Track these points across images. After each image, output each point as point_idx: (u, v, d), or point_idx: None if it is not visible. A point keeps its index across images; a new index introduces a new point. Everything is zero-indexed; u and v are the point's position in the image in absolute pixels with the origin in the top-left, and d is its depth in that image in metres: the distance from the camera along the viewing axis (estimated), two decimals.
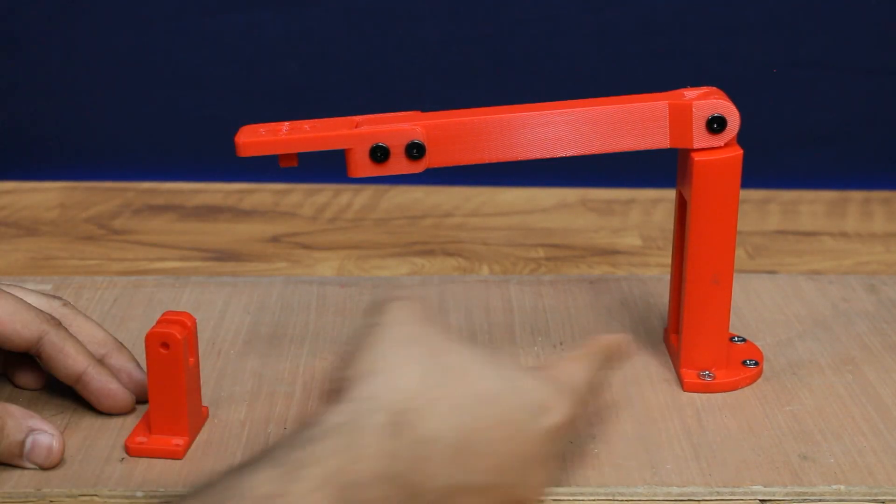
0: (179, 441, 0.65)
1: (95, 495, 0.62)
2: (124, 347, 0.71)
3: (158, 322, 0.65)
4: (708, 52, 1.05)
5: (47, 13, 1.05)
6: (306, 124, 0.69)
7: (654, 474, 0.64)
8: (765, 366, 0.75)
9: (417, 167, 0.68)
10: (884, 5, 1.04)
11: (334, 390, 0.57)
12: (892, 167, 1.09)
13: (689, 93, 0.70)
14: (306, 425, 0.54)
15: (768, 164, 1.07)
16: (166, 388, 0.65)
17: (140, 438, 0.65)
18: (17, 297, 0.68)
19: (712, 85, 0.71)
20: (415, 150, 0.68)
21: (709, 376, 0.72)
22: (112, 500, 0.62)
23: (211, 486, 0.51)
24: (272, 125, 0.69)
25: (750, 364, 0.74)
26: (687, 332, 0.72)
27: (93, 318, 0.72)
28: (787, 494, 0.63)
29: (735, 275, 0.72)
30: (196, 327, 0.66)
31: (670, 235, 0.84)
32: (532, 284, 0.86)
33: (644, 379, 0.73)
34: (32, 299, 0.70)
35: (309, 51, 1.06)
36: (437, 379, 0.56)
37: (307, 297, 0.84)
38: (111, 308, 0.82)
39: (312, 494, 0.50)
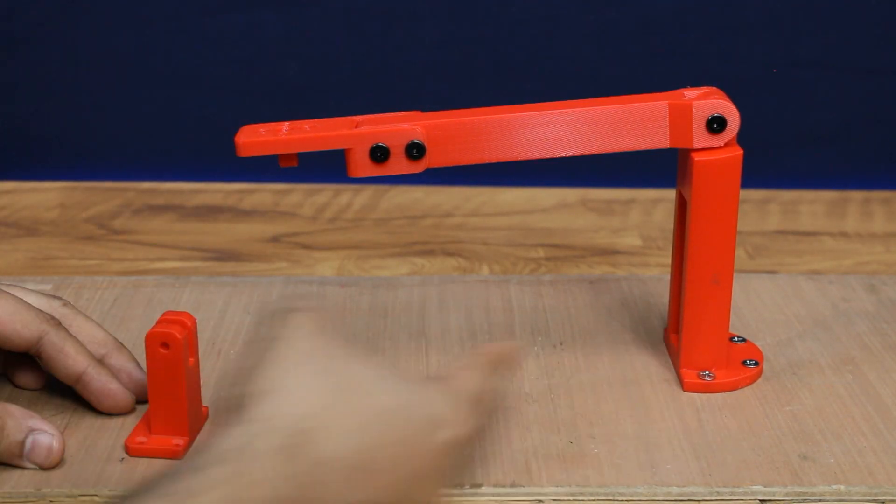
0: (179, 441, 0.65)
1: (95, 495, 0.62)
2: (124, 347, 0.71)
3: (158, 322, 0.65)
4: (708, 52, 1.05)
5: (47, 13, 1.05)
6: (306, 124, 0.69)
7: (654, 474, 0.64)
8: (765, 366, 0.75)
9: (417, 167, 0.68)
10: (884, 5, 1.04)
11: (229, 408, 0.55)
12: (892, 167, 1.09)
13: (689, 93, 0.70)
14: (198, 451, 0.52)
15: (768, 164, 1.07)
16: (166, 388, 0.65)
17: (140, 438, 0.65)
18: (17, 297, 0.68)
19: (712, 85, 0.71)
20: (415, 150, 0.68)
21: (709, 376, 0.72)
22: (112, 501, 0.62)
23: None
24: (272, 125, 0.69)
25: (750, 364, 0.74)
26: (687, 332, 0.72)
27: (93, 318, 0.72)
28: (787, 494, 0.63)
29: (735, 275, 0.72)
30: (196, 327, 0.66)
31: (670, 235, 0.84)
32: (532, 284, 0.86)
33: (644, 379, 0.73)
34: (32, 299, 0.70)
35: (309, 51, 1.06)
36: (334, 397, 0.54)
37: (307, 298, 0.84)
38: (111, 308, 0.82)
39: None
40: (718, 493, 0.63)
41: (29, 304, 0.68)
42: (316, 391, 0.54)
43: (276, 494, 0.50)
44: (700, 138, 0.68)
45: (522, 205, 1.05)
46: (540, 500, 0.62)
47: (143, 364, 0.66)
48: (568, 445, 0.67)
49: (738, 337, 0.77)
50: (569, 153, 0.69)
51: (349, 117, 0.70)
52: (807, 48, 1.05)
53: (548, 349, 0.77)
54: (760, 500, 0.63)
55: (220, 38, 1.06)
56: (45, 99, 1.08)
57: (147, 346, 0.64)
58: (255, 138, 0.68)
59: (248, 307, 0.82)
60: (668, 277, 0.79)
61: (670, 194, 0.97)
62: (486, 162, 0.69)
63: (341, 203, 1.04)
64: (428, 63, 1.06)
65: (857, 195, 1.06)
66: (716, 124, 0.68)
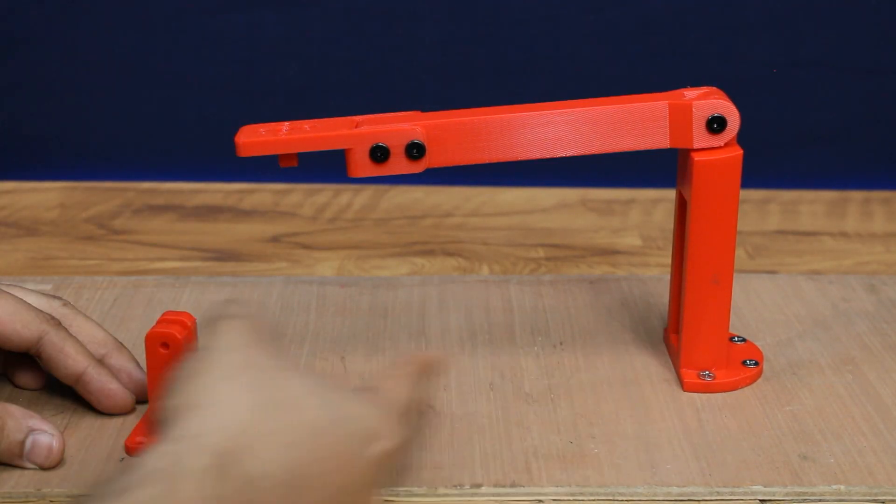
0: None
1: None
2: (124, 347, 0.71)
3: (158, 322, 0.65)
4: (708, 52, 1.05)
5: (47, 13, 1.05)
6: (306, 124, 0.69)
7: (654, 474, 0.64)
8: (765, 366, 0.75)
9: (417, 167, 0.68)
10: (884, 5, 1.04)
11: (159, 420, 0.54)
12: (892, 167, 1.09)
13: (689, 93, 0.70)
14: (123, 470, 0.50)
15: (768, 164, 1.07)
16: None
17: (140, 438, 0.65)
18: (17, 297, 0.68)
19: (712, 85, 0.71)
20: (415, 150, 0.68)
21: (709, 376, 0.72)
22: None
23: None
24: (272, 125, 0.69)
25: (750, 364, 0.74)
26: (687, 332, 0.72)
27: (93, 318, 0.72)
28: (787, 494, 0.63)
29: (735, 275, 0.72)
30: (196, 327, 0.66)
31: (670, 235, 0.84)
32: (532, 284, 0.86)
33: (644, 379, 0.73)
34: (32, 299, 0.70)
35: (309, 51, 1.06)
36: (265, 413, 0.53)
37: (307, 297, 0.84)
38: (111, 308, 0.82)
39: None
40: (718, 493, 0.63)
41: (29, 304, 0.68)
42: (245, 406, 0.53)
43: None
44: (700, 138, 0.68)
45: (522, 205, 1.05)
46: (540, 500, 0.62)
47: (143, 364, 0.66)
48: (568, 445, 0.67)
49: (738, 337, 0.77)
50: (569, 153, 0.69)
51: (349, 117, 0.70)
52: (807, 48, 1.05)
53: (548, 349, 0.77)
54: (760, 500, 0.63)
55: (220, 38, 1.06)
56: (45, 99, 1.08)
57: (147, 346, 0.64)
58: (255, 138, 0.68)
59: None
60: (668, 277, 0.79)
61: (670, 194, 0.97)
62: (486, 162, 0.69)
63: (341, 203, 1.04)
64: (428, 63, 1.06)
65: (857, 195, 1.06)
66: (716, 124, 0.68)
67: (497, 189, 1.07)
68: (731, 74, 1.05)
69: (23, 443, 0.63)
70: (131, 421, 0.68)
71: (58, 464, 0.64)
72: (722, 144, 0.68)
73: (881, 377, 0.74)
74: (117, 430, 0.67)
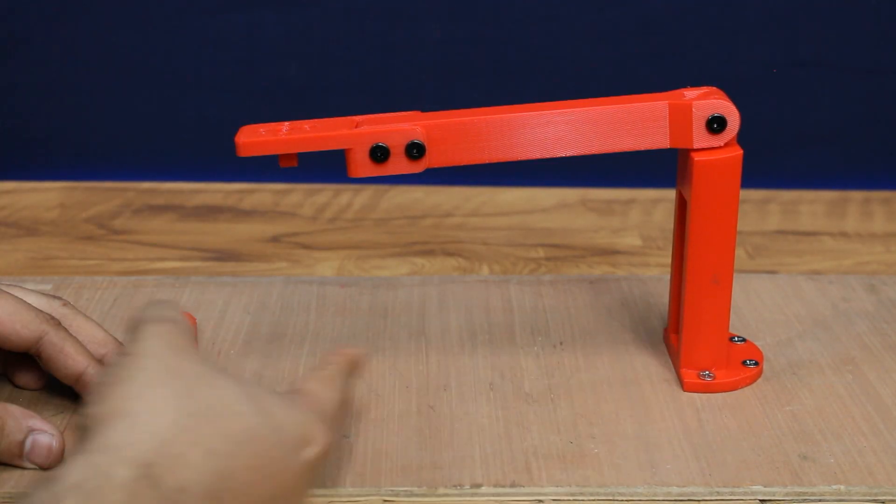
0: None
1: None
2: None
3: None
4: (708, 52, 1.05)
5: (47, 13, 1.05)
6: (306, 124, 0.69)
7: (654, 474, 0.64)
8: (765, 366, 0.75)
9: (417, 167, 0.68)
10: (884, 5, 1.04)
11: (82, 428, 0.52)
12: (892, 167, 1.09)
13: (689, 93, 0.70)
14: (43, 484, 0.48)
15: (768, 164, 1.07)
16: None
17: None
18: (17, 297, 0.68)
19: (712, 85, 0.71)
20: (415, 150, 0.68)
21: (709, 376, 0.72)
22: None
23: None
24: (272, 125, 0.69)
25: (750, 364, 0.74)
26: (687, 332, 0.72)
27: (93, 318, 0.72)
28: (787, 494, 0.63)
29: (735, 275, 0.72)
30: (196, 327, 0.66)
31: (670, 235, 0.84)
32: (532, 284, 0.86)
33: (644, 379, 0.73)
34: (32, 299, 0.70)
35: (309, 51, 1.06)
36: (192, 421, 0.51)
37: (307, 297, 0.84)
38: (111, 308, 0.82)
39: None
40: (718, 493, 0.63)
41: (29, 304, 0.68)
42: (170, 415, 0.51)
43: None
44: (700, 138, 0.68)
45: (522, 205, 1.05)
46: (540, 500, 0.62)
47: None
48: (568, 445, 0.67)
49: (738, 337, 0.77)
50: (569, 153, 0.69)
51: (349, 117, 0.70)
52: (807, 48, 1.05)
53: (548, 349, 0.77)
54: (760, 500, 0.63)
55: (220, 38, 1.06)
56: (45, 99, 1.08)
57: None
58: (255, 138, 0.68)
59: (248, 307, 0.82)
60: (668, 277, 0.79)
61: (670, 194, 0.97)
62: (486, 162, 0.69)
63: (341, 203, 1.04)
64: (428, 63, 1.06)
65: (857, 195, 1.06)
66: (716, 124, 0.68)
67: (497, 189, 1.07)
68: (731, 74, 1.05)
69: (23, 443, 0.63)
70: None
71: (58, 464, 0.64)
72: (722, 144, 0.68)
73: (881, 377, 0.74)
74: None
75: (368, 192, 1.06)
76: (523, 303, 0.83)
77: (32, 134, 1.09)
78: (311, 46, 1.06)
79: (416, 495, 0.63)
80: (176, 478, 0.49)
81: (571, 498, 0.63)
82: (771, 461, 0.65)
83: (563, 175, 1.06)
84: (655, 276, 0.88)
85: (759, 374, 0.74)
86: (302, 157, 0.69)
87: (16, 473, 0.63)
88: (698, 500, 0.63)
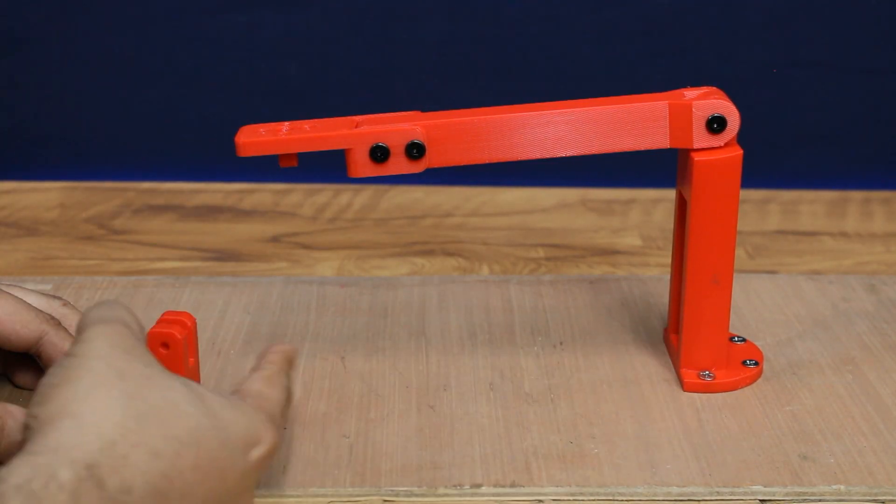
0: None
1: None
2: None
3: (158, 322, 0.65)
4: (708, 52, 1.05)
5: (47, 13, 1.05)
6: (306, 124, 0.69)
7: (654, 474, 0.64)
8: (765, 366, 0.75)
9: (417, 167, 0.68)
10: (884, 5, 1.04)
11: (25, 431, 0.52)
12: (892, 167, 1.09)
13: (689, 93, 0.70)
14: None
15: (768, 164, 1.07)
16: None
17: None
18: (17, 297, 0.68)
19: (712, 85, 0.71)
20: (415, 150, 0.68)
21: (709, 376, 0.72)
22: None
23: None
24: (272, 125, 0.69)
25: (750, 364, 0.74)
26: (687, 332, 0.72)
27: None
28: (787, 494, 0.63)
29: (735, 275, 0.72)
30: (196, 327, 0.66)
31: (670, 235, 0.84)
32: (532, 284, 0.86)
33: (644, 379, 0.73)
34: (32, 299, 0.70)
35: (309, 51, 1.06)
36: (137, 423, 0.51)
37: (307, 297, 0.84)
38: None
39: None
40: (718, 493, 0.63)
41: (29, 304, 0.68)
42: (116, 416, 0.51)
43: None
44: (700, 138, 0.68)
45: (522, 205, 1.05)
46: (540, 500, 0.62)
47: None
48: (568, 445, 0.67)
49: (738, 337, 0.77)
50: (569, 153, 0.69)
51: (349, 117, 0.70)
52: (807, 48, 1.06)
53: (548, 349, 0.77)
54: (760, 500, 0.63)
55: (220, 38, 1.06)
56: (45, 99, 1.08)
57: (147, 346, 0.64)
58: (255, 138, 0.68)
59: (248, 307, 0.82)
60: (668, 277, 0.79)
61: (670, 194, 0.97)
62: (486, 162, 0.69)
63: (341, 203, 1.04)
64: (428, 63, 1.06)
65: (857, 195, 1.06)
66: (716, 124, 0.68)
67: (497, 189, 1.07)
68: (731, 74, 1.05)
69: (23, 443, 0.63)
70: None
71: None
72: (722, 144, 0.68)
73: (881, 377, 0.74)
74: None
75: (368, 192, 1.06)
76: (523, 303, 0.83)
77: (32, 134, 1.09)
78: (311, 46, 1.06)
79: (416, 495, 0.63)
80: (121, 478, 0.49)
81: (571, 498, 0.63)
82: (771, 461, 0.65)
83: (563, 175, 1.06)
84: (655, 276, 0.88)
85: (759, 374, 0.74)
86: (302, 157, 0.69)
87: None
88: (698, 500, 0.63)
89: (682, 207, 0.72)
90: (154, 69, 1.07)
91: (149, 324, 0.68)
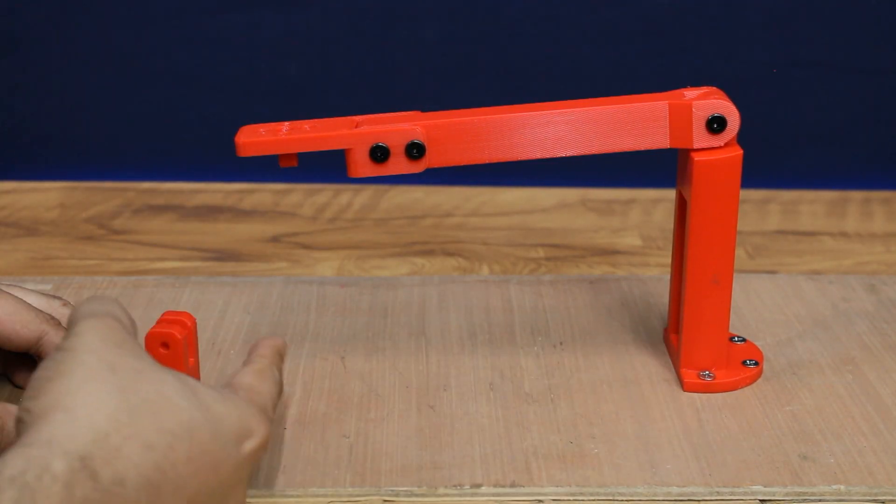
0: None
1: None
2: None
3: (158, 322, 0.65)
4: (708, 52, 1.05)
5: (47, 13, 1.05)
6: (306, 124, 0.69)
7: (654, 474, 0.64)
8: (765, 366, 0.75)
9: (417, 167, 0.68)
10: (884, 5, 1.04)
11: (19, 422, 0.52)
12: (892, 167, 1.09)
13: (689, 93, 0.70)
14: None
15: (768, 164, 1.07)
16: None
17: None
18: (16, 297, 0.68)
19: (712, 85, 0.71)
20: (415, 150, 0.68)
21: (709, 376, 0.72)
22: None
23: None
24: (272, 125, 0.69)
25: (750, 364, 0.74)
26: (687, 332, 0.72)
27: None
28: (787, 494, 0.63)
29: (735, 275, 0.72)
30: (196, 327, 0.66)
31: (670, 235, 0.84)
32: (532, 284, 0.86)
33: (644, 379, 0.73)
34: (32, 299, 0.70)
35: (309, 51, 1.06)
36: (130, 416, 0.51)
37: (307, 297, 0.84)
38: None
39: None
40: (718, 493, 0.63)
41: (29, 304, 0.68)
42: (109, 409, 0.51)
43: None
44: (700, 138, 0.68)
45: (522, 205, 1.05)
46: (540, 500, 0.62)
47: None
48: (568, 445, 0.67)
49: (738, 337, 0.77)
50: (569, 153, 0.69)
51: (349, 117, 0.70)
52: (807, 48, 1.06)
53: (548, 349, 0.77)
54: (760, 500, 0.63)
55: (220, 38, 1.06)
56: (45, 99, 1.08)
57: (147, 346, 0.64)
58: (255, 138, 0.68)
59: (248, 307, 0.82)
60: (668, 277, 0.79)
61: (670, 194, 0.97)
62: (486, 162, 0.69)
63: (341, 203, 1.04)
64: (428, 63, 1.06)
65: (857, 195, 1.06)
66: (716, 124, 0.68)
67: (497, 189, 1.07)
68: (731, 74, 1.05)
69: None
70: None
71: None
72: (722, 144, 0.68)
73: (881, 377, 0.74)
74: None
75: (368, 192, 1.06)
76: (523, 303, 0.83)
77: (32, 134, 1.09)
78: (311, 46, 1.06)
79: (416, 495, 0.63)
80: (114, 470, 0.49)
81: (571, 498, 0.63)
82: (771, 461, 0.65)
83: (563, 175, 1.06)
84: (655, 276, 0.88)
85: (759, 374, 0.74)
86: (302, 157, 0.69)
87: None
88: (698, 500, 0.63)
89: (682, 207, 0.72)
90: (154, 69, 1.07)
91: (149, 324, 0.68)
